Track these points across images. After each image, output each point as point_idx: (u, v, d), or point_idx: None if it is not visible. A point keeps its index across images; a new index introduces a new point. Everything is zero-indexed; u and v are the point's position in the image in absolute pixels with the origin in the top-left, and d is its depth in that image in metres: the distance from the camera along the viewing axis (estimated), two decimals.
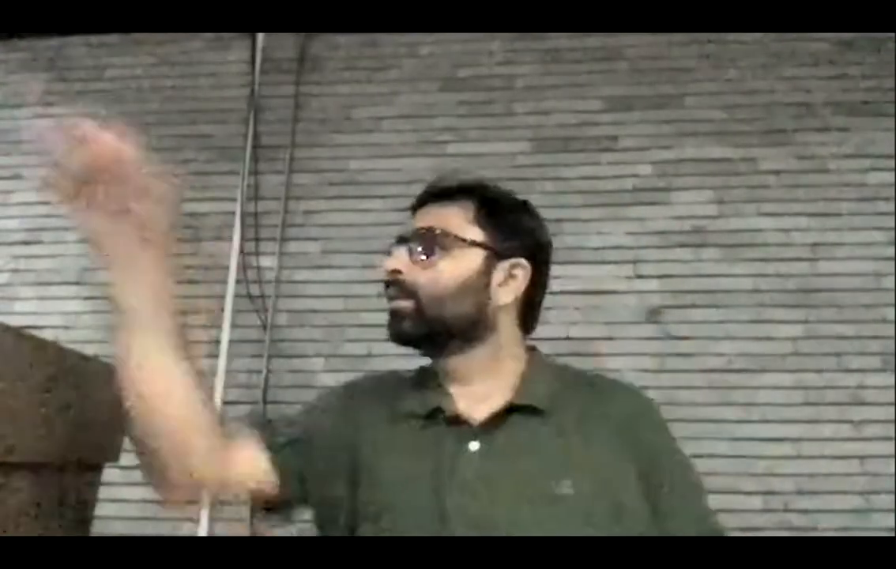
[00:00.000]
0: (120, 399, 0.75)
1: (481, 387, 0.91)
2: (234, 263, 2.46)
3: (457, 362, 0.93)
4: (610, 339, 2.29)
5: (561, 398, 0.91)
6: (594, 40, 2.58)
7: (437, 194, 0.98)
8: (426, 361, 0.99)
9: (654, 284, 2.32)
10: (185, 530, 2.24)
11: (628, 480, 0.85)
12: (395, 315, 0.93)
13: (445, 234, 0.91)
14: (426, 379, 0.96)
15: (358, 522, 0.83)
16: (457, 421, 0.88)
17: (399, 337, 0.94)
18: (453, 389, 0.92)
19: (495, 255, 0.91)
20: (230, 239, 2.49)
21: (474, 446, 0.85)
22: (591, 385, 0.96)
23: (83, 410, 0.78)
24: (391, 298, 0.94)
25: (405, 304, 0.92)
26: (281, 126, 2.60)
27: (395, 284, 0.93)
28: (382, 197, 2.48)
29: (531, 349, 0.98)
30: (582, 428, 0.88)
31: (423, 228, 0.93)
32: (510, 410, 0.88)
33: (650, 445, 0.89)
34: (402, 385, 0.97)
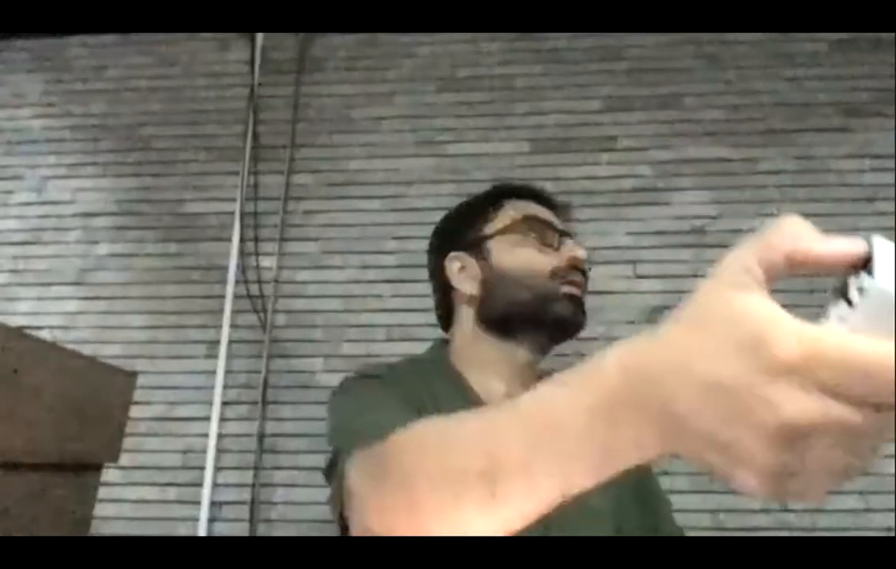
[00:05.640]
0: (121, 401, 0.75)
1: (503, 389, 0.93)
2: (233, 263, 2.46)
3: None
4: (610, 339, 2.28)
5: None
6: (594, 40, 2.58)
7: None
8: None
9: (654, 284, 2.32)
10: (184, 530, 2.24)
11: (627, 490, 0.91)
12: (579, 303, 0.94)
13: None
14: (456, 381, 0.94)
15: None
16: None
17: (579, 325, 0.94)
18: (483, 395, 0.93)
19: None
20: (230, 239, 2.49)
21: None
22: None
23: (84, 410, 0.78)
24: (578, 287, 0.94)
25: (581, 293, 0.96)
26: (281, 126, 2.60)
27: (583, 272, 0.95)
28: (382, 197, 2.48)
29: None
30: None
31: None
32: None
33: None
34: (432, 385, 0.94)
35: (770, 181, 2.39)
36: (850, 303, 0.29)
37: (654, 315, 2.30)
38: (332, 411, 0.88)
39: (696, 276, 2.34)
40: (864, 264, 0.29)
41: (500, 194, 1.01)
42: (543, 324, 0.93)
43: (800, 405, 0.28)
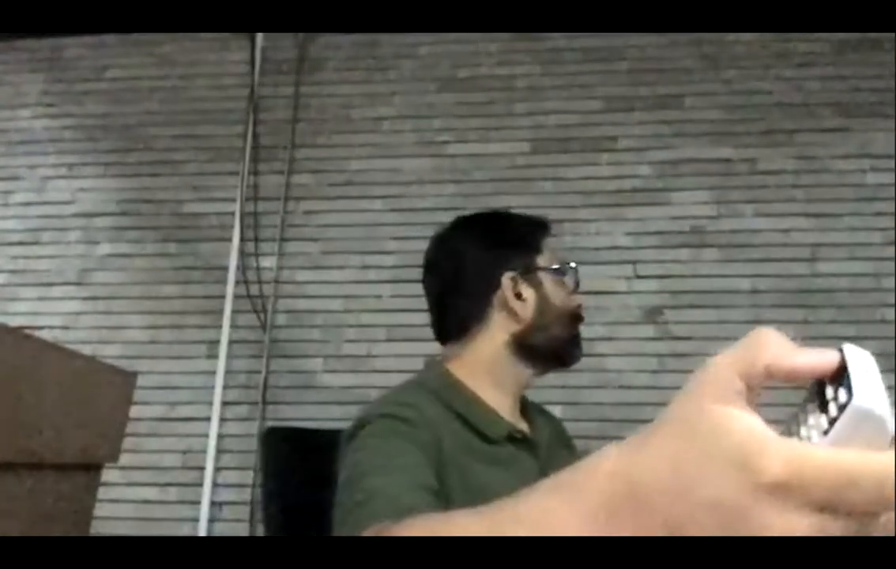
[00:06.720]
0: (121, 401, 0.75)
1: (510, 402, 1.03)
2: (233, 264, 2.46)
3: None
4: (610, 339, 2.29)
5: None
6: (594, 40, 2.58)
7: None
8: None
9: (653, 284, 2.32)
10: (184, 530, 2.24)
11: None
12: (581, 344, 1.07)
13: None
14: (471, 400, 0.99)
15: None
16: (524, 440, 0.99)
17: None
18: (497, 407, 1.00)
19: None
20: (230, 239, 2.49)
21: (533, 464, 0.97)
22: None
23: (84, 410, 0.78)
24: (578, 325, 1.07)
25: None
26: (281, 126, 2.60)
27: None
28: (382, 197, 2.48)
29: None
30: (554, 440, 1.06)
31: None
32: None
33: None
34: (445, 398, 0.98)
35: (770, 181, 2.39)
36: (828, 413, 0.30)
37: (654, 315, 2.31)
38: (352, 454, 0.86)
39: (695, 276, 2.35)
40: (839, 374, 0.31)
41: (543, 225, 1.08)
42: (561, 360, 1.04)
43: (792, 525, 0.29)
